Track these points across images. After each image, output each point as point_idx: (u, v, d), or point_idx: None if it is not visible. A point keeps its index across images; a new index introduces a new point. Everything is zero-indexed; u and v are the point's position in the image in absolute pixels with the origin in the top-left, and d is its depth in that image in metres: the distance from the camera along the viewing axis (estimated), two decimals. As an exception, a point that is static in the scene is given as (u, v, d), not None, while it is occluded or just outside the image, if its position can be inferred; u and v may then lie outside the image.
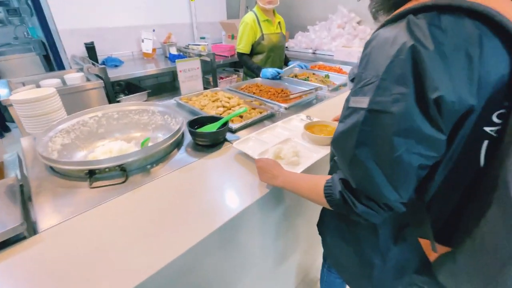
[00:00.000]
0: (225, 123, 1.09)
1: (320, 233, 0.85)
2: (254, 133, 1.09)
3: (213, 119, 1.13)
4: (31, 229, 0.68)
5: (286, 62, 2.31)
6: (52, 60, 3.30)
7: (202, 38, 3.11)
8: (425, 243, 0.56)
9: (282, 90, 1.72)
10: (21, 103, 1.03)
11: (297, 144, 1.03)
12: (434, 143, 0.42)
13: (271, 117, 1.31)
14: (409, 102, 0.41)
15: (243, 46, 2.01)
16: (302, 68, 2.16)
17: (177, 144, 1.08)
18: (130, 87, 2.76)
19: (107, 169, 0.86)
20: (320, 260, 1.06)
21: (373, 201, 0.48)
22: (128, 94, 2.53)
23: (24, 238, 0.66)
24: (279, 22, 2.10)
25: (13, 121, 2.47)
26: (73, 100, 2.06)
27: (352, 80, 0.68)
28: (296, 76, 2.02)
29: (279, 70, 1.91)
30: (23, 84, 2.13)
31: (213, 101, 1.42)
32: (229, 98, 1.44)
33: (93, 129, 1.20)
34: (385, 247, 0.61)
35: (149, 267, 0.58)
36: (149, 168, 0.93)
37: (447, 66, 0.39)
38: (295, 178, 0.70)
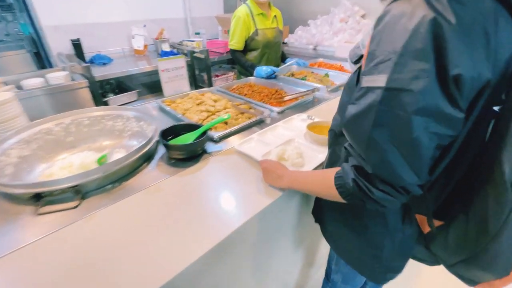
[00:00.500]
0: (205, 132, 0.95)
1: (317, 221, 0.84)
2: (255, 134, 1.05)
3: (191, 127, 0.99)
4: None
5: (283, 59, 2.16)
6: (43, 57, 3.19)
7: (197, 33, 2.96)
8: (420, 217, 0.62)
9: (277, 91, 1.57)
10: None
11: (300, 144, 1.00)
12: (452, 122, 0.41)
13: (259, 124, 1.17)
14: (430, 79, 0.39)
15: (235, 42, 1.86)
16: (300, 66, 2.00)
17: (148, 157, 0.94)
18: (120, 85, 2.64)
19: (56, 192, 0.73)
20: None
21: (390, 185, 0.47)
22: (118, 93, 2.40)
23: None
24: (275, 16, 1.94)
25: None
26: (56, 101, 1.94)
27: (355, 62, 0.63)
28: (293, 74, 1.86)
29: (274, 68, 1.76)
30: (5, 84, 2.02)
31: (198, 104, 1.28)
32: (215, 101, 1.29)
33: (59, 137, 1.07)
34: (394, 228, 0.63)
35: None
36: (110, 188, 0.80)
37: (467, 41, 0.38)
38: (303, 175, 0.69)
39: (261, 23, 1.85)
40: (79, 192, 0.74)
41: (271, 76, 1.78)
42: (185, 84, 1.48)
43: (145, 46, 2.67)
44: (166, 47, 2.64)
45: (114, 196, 0.76)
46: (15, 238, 0.63)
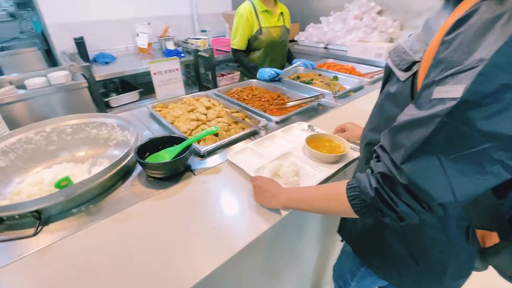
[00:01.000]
0: (189, 147, 0.85)
1: (359, 255, 0.77)
2: (250, 143, 0.97)
3: (174, 140, 0.89)
4: None
5: (290, 59, 2.02)
6: (53, 55, 3.21)
7: (203, 31, 2.86)
8: (480, 232, 0.60)
9: (279, 96, 1.45)
10: None
11: (298, 159, 0.92)
12: None
13: (254, 135, 1.05)
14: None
15: (237, 41, 1.74)
16: (307, 67, 1.86)
17: (125, 174, 0.85)
18: (124, 84, 2.59)
19: (16, 216, 0.65)
20: None
21: (417, 200, 0.44)
22: (122, 92, 2.35)
23: None
24: (281, 13, 1.80)
25: None
26: (57, 101, 1.92)
27: (406, 69, 0.51)
28: (298, 77, 1.73)
29: (278, 71, 1.64)
30: (10, 83, 2.02)
31: (189, 111, 1.18)
32: (208, 109, 1.19)
33: (40, 146, 1.00)
34: (459, 247, 0.59)
35: None
36: (75, 212, 0.71)
37: None
38: (302, 191, 0.64)
39: (265, 20, 1.72)
40: (39, 218, 0.66)
41: (275, 79, 1.66)
42: (179, 87, 1.39)
43: (150, 44, 2.60)
44: (170, 46, 2.56)
45: (78, 223, 0.68)
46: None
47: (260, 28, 1.71)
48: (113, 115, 1.06)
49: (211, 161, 0.91)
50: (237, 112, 1.20)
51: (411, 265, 0.65)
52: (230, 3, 3.20)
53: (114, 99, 2.21)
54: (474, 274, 0.65)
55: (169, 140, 0.89)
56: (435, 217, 0.56)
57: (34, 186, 0.80)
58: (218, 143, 0.96)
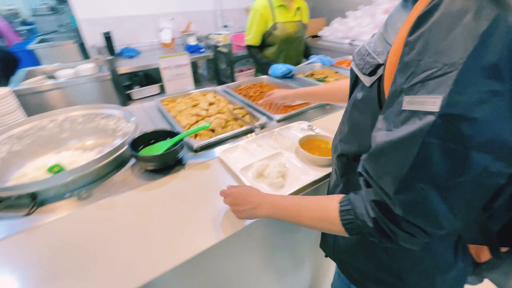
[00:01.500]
0: (180, 141, 0.86)
1: (344, 272, 0.69)
2: (243, 141, 0.96)
3: (168, 134, 0.91)
4: None
5: (307, 55, 1.95)
6: (85, 48, 3.45)
7: (225, 26, 2.87)
8: (474, 247, 0.55)
9: (287, 93, 1.41)
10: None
11: (287, 161, 0.88)
12: None
13: (250, 133, 1.04)
14: (501, 104, 0.30)
15: (251, 37, 1.72)
16: (324, 64, 1.79)
17: (120, 165, 0.89)
18: (148, 78, 2.70)
19: (12, 197, 0.71)
20: None
21: (418, 227, 0.39)
22: (145, 85, 2.46)
23: None
24: (298, 8, 1.74)
25: None
26: (82, 92, 2.05)
27: (370, 74, 0.45)
28: (313, 74, 1.67)
29: (291, 67, 1.59)
30: (45, 74, 2.20)
31: (193, 106, 1.20)
32: (211, 104, 1.19)
33: (53, 134, 1.08)
34: (446, 265, 0.54)
35: None
36: (68, 196, 0.76)
37: None
38: (288, 202, 0.56)
39: (281, 16, 1.68)
40: (33, 200, 0.71)
41: (287, 76, 1.62)
42: (189, 82, 1.41)
43: (173, 39, 2.68)
44: (192, 41, 2.62)
45: (66, 207, 0.72)
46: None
47: (275, 23, 1.67)
48: (119, 106, 1.11)
49: (204, 156, 0.92)
50: (239, 108, 1.19)
51: (397, 284, 0.59)
52: (254, -2, 3.18)
53: (136, 92, 2.32)
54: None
55: (164, 134, 0.91)
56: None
57: (38, 170, 0.86)
58: (212, 139, 0.96)
